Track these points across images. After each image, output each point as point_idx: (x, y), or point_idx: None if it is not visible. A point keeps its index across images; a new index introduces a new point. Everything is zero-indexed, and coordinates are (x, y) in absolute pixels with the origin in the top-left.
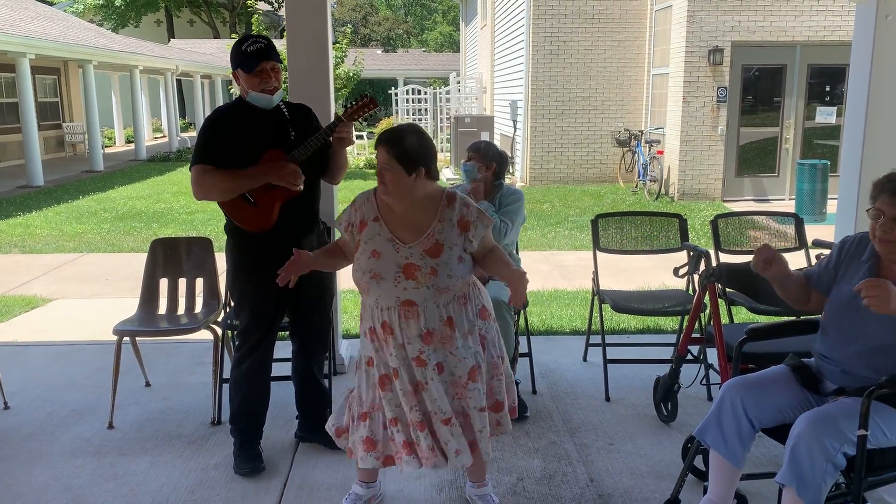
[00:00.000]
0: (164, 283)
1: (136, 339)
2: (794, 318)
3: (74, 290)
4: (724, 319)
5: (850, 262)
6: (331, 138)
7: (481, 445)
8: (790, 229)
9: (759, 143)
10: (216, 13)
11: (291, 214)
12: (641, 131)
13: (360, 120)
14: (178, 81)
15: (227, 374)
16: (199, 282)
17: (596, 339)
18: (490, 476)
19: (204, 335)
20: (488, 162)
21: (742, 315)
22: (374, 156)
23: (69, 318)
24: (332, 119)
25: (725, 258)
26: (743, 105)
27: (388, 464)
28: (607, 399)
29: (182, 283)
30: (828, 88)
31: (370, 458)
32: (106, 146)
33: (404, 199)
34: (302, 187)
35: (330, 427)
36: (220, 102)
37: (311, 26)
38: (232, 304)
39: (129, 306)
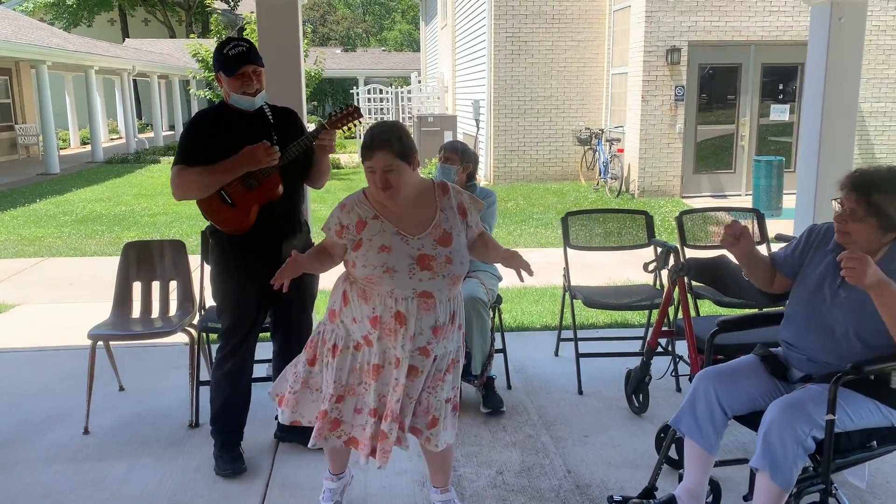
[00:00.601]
0: (137, 287)
1: (110, 343)
2: (762, 310)
3: (38, 296)
4: (692, 313)
5: (817, 250)
6: (314, 144)
7: (442, 435)
8: (751, 224)
9: (716, 141)
10: (172, 12)
11: (271, 217)
12: (602, 130)
13: (343, 129)
14: (134, 82)
15: (204, 376)
16: (173, 285)
17: (567, 334)
18: (470, 469)
19: (175, 338)
20: (465, 163)
21: (707, 308)
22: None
23: (35, 323)
24: (316, 126)
25: (690, 253)
26: (700, 103)
27: (351, 444)
28: (580, 392)
29: (155, 286)
30: (781, 87)
31: (333, 437)
32: (60, 148)
33: (408, 193)
34: (277, 162)
35: (273, 393)
36: (178, 103)
37: (283, 28)
38: (207, 306)
39: (96, 311)
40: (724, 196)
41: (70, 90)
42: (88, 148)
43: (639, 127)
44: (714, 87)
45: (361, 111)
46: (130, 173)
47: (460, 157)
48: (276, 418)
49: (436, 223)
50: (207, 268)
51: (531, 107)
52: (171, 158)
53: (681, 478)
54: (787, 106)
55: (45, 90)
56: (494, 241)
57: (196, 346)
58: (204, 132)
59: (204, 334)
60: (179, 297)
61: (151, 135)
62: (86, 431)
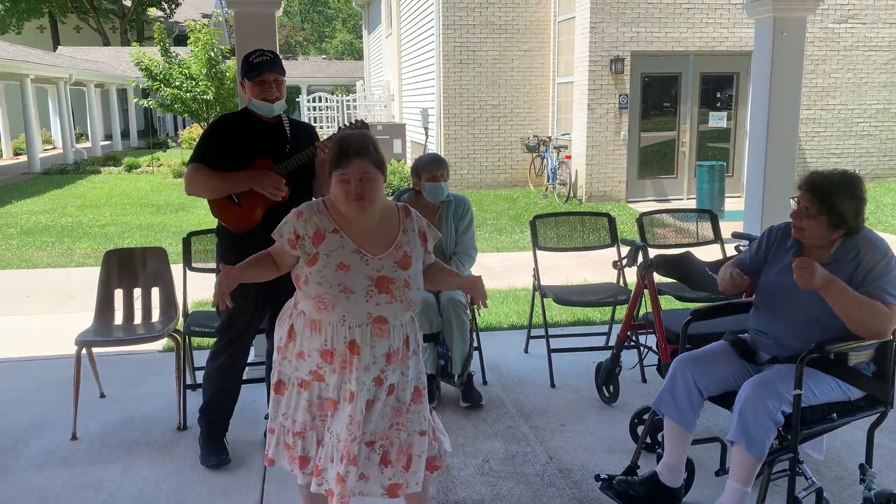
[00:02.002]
0: (118, 295)
1: (96, 349)
2: (729, 300)
3: None
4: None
5: (777, 249)
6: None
7: (419, 474)
8: (705, 226)
9: (658, 147)
10: (105, 19)
11: (276, 219)
12: (549, 137)
13: None
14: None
15: (189, 380)
16: (155, 291)
17: (536, 331)
18: (457, 459)
19: (152, 346)
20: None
21: (667, 304)
22: None
23: None
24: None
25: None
26: (643, 111)
27: (317, 475)
28: (552, 385)
29: (137, 293)
30: (718, 95)
31: (303, 475)
32: None
33: (376, 208)
34: (282, 198)
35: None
36: (115, 111)
37: (259, 38)
38: (191, 312)
39: (59, 321)
40: (668, 200)
41: (2, 99)
42: (22, 158)
43: (585, 134)
44: (656, 95)
45: (367, 124)
46: (71, 184)
47: (446, 169)
48: (266, 417)
49: (397, 244)
50: (190, 274)
51: (480, 115)
52: (111, 168)
53: (659, 458)
54: (725, 113)
55: None
56: (449, 267)
57: (182, 351)
58: (222, 135)
59: (189, 338)
60: (162, 304)
61: (88, 145)
62: (74, 437)
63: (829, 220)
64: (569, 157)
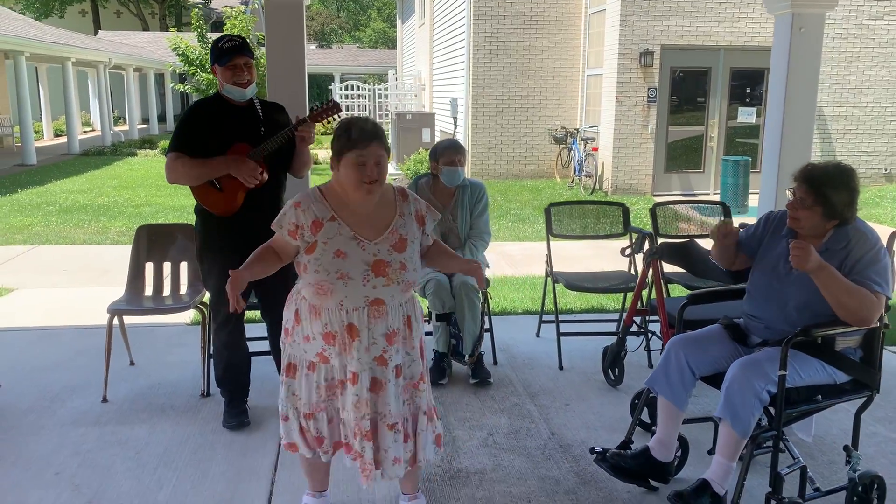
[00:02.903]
0: (149, 268)
1: (127, 318)
2: (725, 286)
3: (34, 281)
4: (664, 295)
5: (773, 235)
6: (295, 136)
7: (428, 448)
8: (718, 218)
9: (686, 141)
10: (145, 4)
11: (256, 201)
12: (577, 129)
13: (323, 122)
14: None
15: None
16: (184, 266)
17: (548, 316)
18: (463, 432)
19: (178, 319)
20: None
21: (678, 292)
22: None
23: (35, 306)
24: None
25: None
26: (671, 105)
27: (338, 448)
28: (560, 368)
29: (167, 266)
30: (748, 90)
31: (319, 453)
32: (34, 140)
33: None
34: (257, 184)
35: (284, 443)
36: (152, 96)
37: (288, 27)
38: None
39: (93, 294)
40: (694, 194)
41: (44, 82)
42: (62, 140)
43: (612, 127)
44: (685, 89)
45: (340, 106)
46: (108, 165)
47: (463, 155)
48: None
49: (393, 228)
50: None
51: (508, 105)
52: (147, 151)
53: (654, 435)
54: (755, 109)
55: (24, 82)
56: (451, 250)
57: (207, 322)
58: (198, 122)
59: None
60: (190, 277)
61: (126, 128)
62: (104, 400)
63: (823, 211)
64: (595, 149)
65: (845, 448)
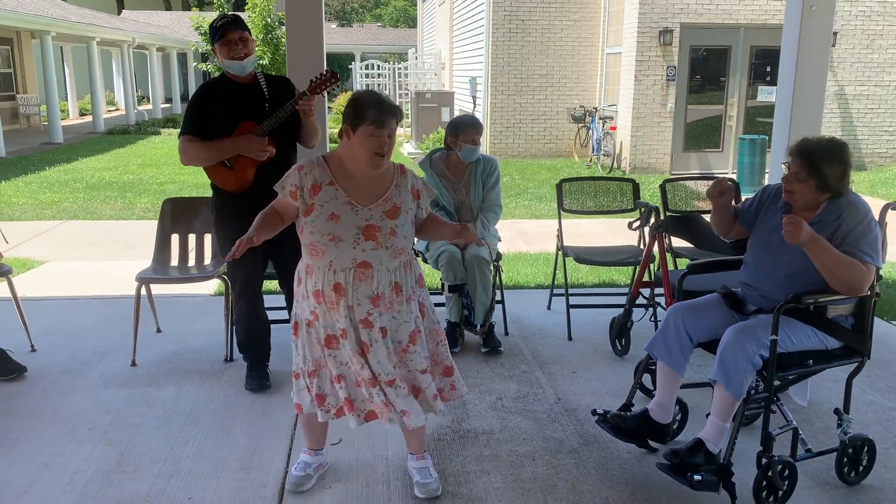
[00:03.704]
0: (174, 240)
1: (154, 286)
2: (723, 257)
3: (63, 254)
4: (671, 267)
5: (769, 207)
6: (297, 110)
7: (436, 404)
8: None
9: (705, 121)
10: None
11: (266, 175)
12: (596, 108)
13: (322, 93)
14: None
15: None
16: (207, 237)
17: (558, 290)
18: (473, 396)
19: (202, 289)
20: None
21: (685, 265)
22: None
23: (66, 277)
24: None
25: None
26: (690, 84)
27: (340, 415)
28: (570, 338)
29: (192, 238)
30: (769, 69)
31: (321, 412)
32: (61, 118)
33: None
34: (266, 157)
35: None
36: (175, 75)
37: (308, 8)
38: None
39: (121, 267)
40: (712, 173)
41: (69, 61)
42: (87, 119)
43: (631, 106)
44: (705, 68)
45: (338, 75)
46: (132, 144)
47: (482, 133)
48: None
49: (387, 196)
50: None
51: (528, 84)
52: (171, 130)
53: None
54: (775, 88)
55: (50, 61)
56: (441, 219)
57: (230, 291)
58: (206, 104)
59: None
60: (213, 249)
61: (149, 107)
62: (133, 364)
63: (817, 184)
64: (614, 128)
65: (836, 411)
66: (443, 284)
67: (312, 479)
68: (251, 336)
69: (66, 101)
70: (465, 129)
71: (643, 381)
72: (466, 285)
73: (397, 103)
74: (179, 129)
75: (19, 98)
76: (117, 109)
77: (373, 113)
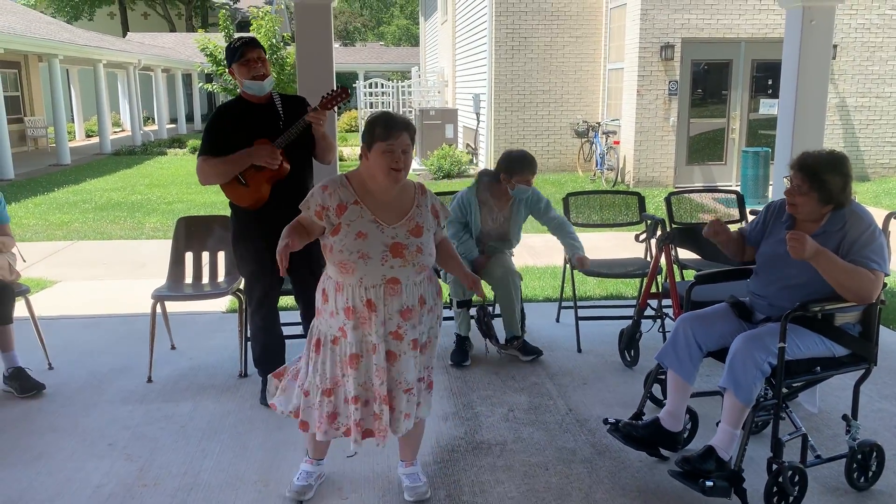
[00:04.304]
0: (188, 258)
1: (169, 304)
2: (730, 267)
3: (75, 274)
4: (678, 278)
5: (775, 222)
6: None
7: (413, 413)
8: (734, 210)
9: (708, 134)
10: (172, 6)
11: (282, 192)
12: (599, 123)
13: (334, 109)
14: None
15: (249, 334)
16: (221, 255)
17: (567, 303)
18: (485, 408)
19: (216, 307)
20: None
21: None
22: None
23: (78, 297)
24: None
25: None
26: (692, 98)
27: (347, 435)
28: (579, 350)
29: (205, 256)
30: (770, 82)
31: (332, 430)
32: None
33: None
34: (278, 165)
35: (284, 411)
36: (180, 96)
37: (317, 26)
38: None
39: (134, 286)
40: (715, 186)
41: (76, 83)
42: (94, 140)
43: (634, 120)
44: (706, 82)
45: (348, 91)
46: (139, 164)
47: (535, 173)
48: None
49: (410, 216)
50: None
51: (530, 100)
52: (177, 150)
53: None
54: (777, 100)
55: (58, 84)
56: (457, 254)
57: (244, 308)
58: (222, 125)
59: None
60: (227, 266)
61: (155, 127)
62: (149, 380)
63: (819, 197)
64: (617, 143)
65: (844, 417)
66: (451, 300)
67: (313, 489)
68: (267, 351)
69: (73, 122)
70: (522, 170)
71: (653, 391)
72: (497, 300)
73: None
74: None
75: (27, 121)
76: (123, 130)
77: (386, 130)
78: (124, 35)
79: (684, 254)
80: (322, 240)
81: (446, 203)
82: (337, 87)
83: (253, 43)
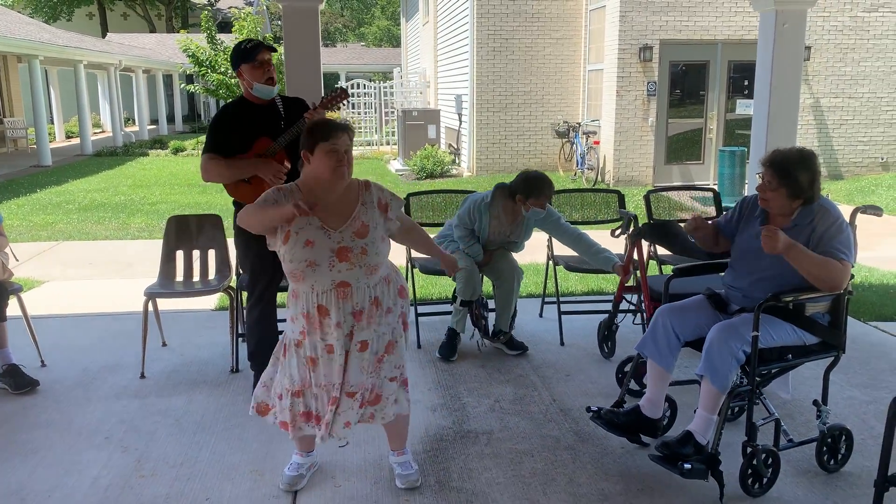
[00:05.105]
0: (179, 256)
1: (161, 300)
2: (706, 262)
3: (62, 274)
4: (658, 273)
5: (749, 216)
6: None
7: (388, 409)
8: (710, 208)
9: (686, 134)
10: (152, 6)
11: None
12: (579, 123)
13: (333, 109)
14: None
15: (240, 330)
16: (211, 253)
17: (549, 299)
18: (472, 399)
19: (205, 304)
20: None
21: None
22: None
23: (66, 296)
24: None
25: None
26: (671, 98)
27: (318, 422)
28: (562, 344)
29: (195, 254)
30: (746, 83)
31: (309, 427)
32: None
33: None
34: (283, 180)
35: (253, 407)
36: (161, 97)
37: (304, 29)
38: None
39: (120, 285)
40: (694, 185)
41: (55, 84)
42: (74, 141)
43: (613, 120)
44: (684, 83)
45: (347, 92)
46: (121, 165)
47: (552, 197)
48: None
49: (355, 215)
50: None
51: (512, 101)
52: (158, 151)
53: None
54: (753, 101)
55: (38, 85)
56: (428, 237)
57: (235, 304)
58: (227, 124)
59: (240, 294)
60: (217, 264)
61: (136, 128)
62: (142, 376)
63: (787, 192)
64: (597, 143)
65: (815, 402)
66: (454, 296)
67: (305, 478)
68: (262, 344)
69: (53, 123)
70: (539, 195)
71: (630, 385)
72: (495, 295)
73: (384, 121)
74: (203, 148)
75: (6, 122)
76: (103, 131)
77: (324, 132)
78: (104, 36)
79: (663, 249)
80: (277, 250)
81: (452, 202)
82: (337, 87)
83: (266, 45)
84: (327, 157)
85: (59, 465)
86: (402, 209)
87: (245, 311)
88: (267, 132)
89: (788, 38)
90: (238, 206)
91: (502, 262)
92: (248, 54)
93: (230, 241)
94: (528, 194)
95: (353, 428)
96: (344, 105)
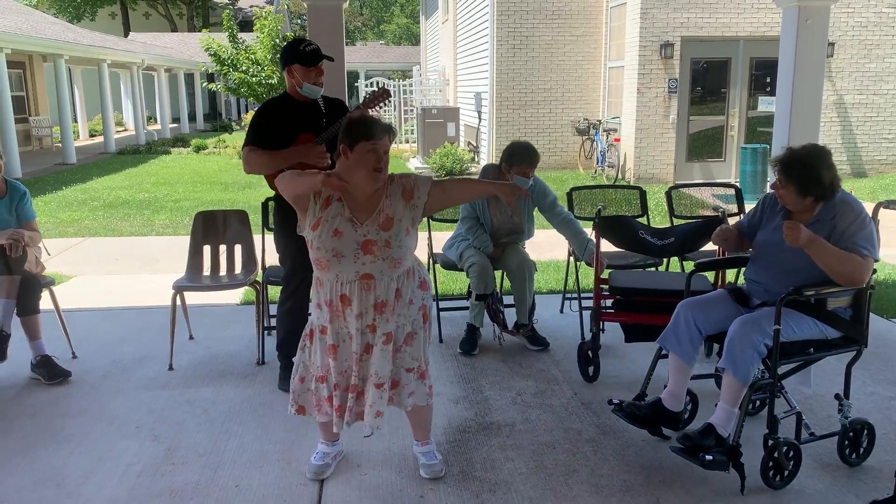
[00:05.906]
0: (206, 251)
1: (189, 294)
2: (728, 257)
3: (90, 269)
4: (677, 268)
5: (770, 213)
6: None
7: (405, 398)
8: (732, 205)
9: (707, 131)
10: (173, 5)
11: None
12: (599, 120)
13: (376, 108)
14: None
15: (266, 323)
16: (238, 248)
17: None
18: (494, 392)
19: (231, 298)
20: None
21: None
22: None
23: (95, 291)
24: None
25: (679, 222)
26: (692, 95)
27: (340, 413)
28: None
29: (222, 249)
30: (769, 80)
31: (327, 411)
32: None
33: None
34: (326, 164)
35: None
36: (182, 95)
37: (329, 26)
38: (268, 266)
39: (146, 280)
40: (715, 182)
41: (79, 83)
42: (98, 139)
43: (634, 118)
44: (706, 80)
45: (390, 92)
46: (144, 163)
47: (536, 165)
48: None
49: (380, 209)
50: (267, 233)
51: (532, 99)
52: (181, 149)
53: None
54: (775, 98)
55: (63, 84)
56: (462, 181)
57: (262, 297)
58: (268, 118)
59: (266, 288)
60: (243, 258)
61: (158, 127)
62: (171, 368)
63: (796, 189)
64: (618, 140)
65: (836, 396)
66: (470, 291)
67: (331, 467)
68: (292, 334)
69: (77, 122)
70: (520, 162)
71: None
72: (513, 288)
73: (404, 119)
74: (244, 141)
75: (32, 120)
76: (126, 130)
77: (368, 130)
78: (126, 35)
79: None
80: (305, 236)
81: None
82: (380, 87)
83: (327, 56)
84: (367, 156)
85: (93, 452)
86: (431, 184)
87: (278, 303)
88: (309, 129)
89: (811, 35)
90: (278, 199)
91: (513, 254)
92: (307, 58)
93: (256, 238)
94: (511, 162)
95: (383, 417)
96: (387, 103)
